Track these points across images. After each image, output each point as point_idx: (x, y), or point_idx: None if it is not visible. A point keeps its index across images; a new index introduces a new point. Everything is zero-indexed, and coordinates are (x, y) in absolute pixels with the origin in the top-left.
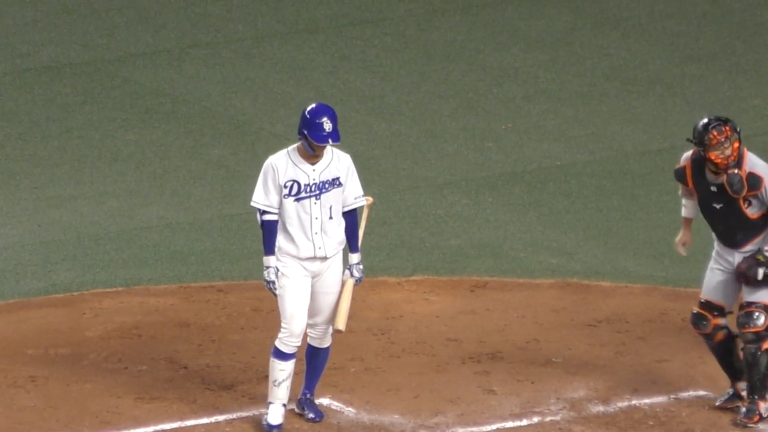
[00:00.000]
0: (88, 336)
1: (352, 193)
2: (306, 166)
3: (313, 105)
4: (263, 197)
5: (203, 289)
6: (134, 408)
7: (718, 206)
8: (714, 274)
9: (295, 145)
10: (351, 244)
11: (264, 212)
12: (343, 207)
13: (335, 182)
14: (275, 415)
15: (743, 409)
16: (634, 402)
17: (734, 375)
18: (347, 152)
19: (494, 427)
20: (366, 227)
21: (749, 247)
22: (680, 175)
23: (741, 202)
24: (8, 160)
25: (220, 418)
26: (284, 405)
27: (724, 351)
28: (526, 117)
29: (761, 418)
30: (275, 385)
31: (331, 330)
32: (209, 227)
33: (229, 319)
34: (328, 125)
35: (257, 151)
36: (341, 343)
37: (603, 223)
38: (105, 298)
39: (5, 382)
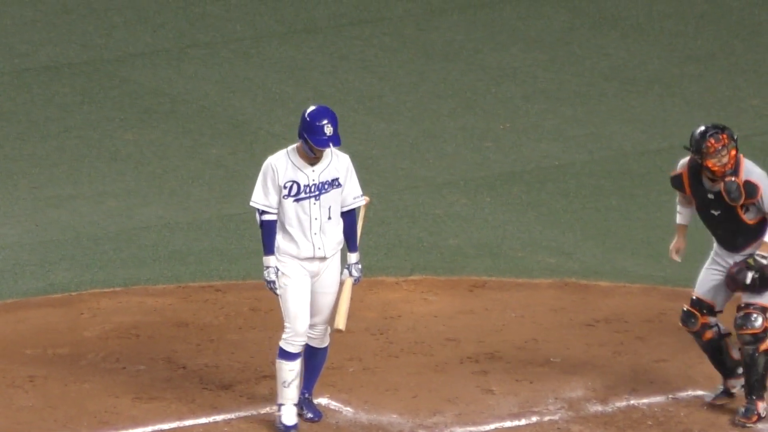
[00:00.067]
0: (87, 336)
1: (351, 193)
2: (305, 167)
3: (314, 107)
4: (262, 197)
5: (202, 289)
6: (132, 408)
7: (716, 213)
8: (709, 274)
9: (295, 146)
10: (349, 244)
11: (263, 212)
12: (341, 207)
13: (334, 183)
14: (289, 415)
15: (741, 409)
16: (632, 402)
17: (725, 372)
18: (346, 152)
19: (492, 426)
20: (364, 227)
21: (749, 250)
22: (677, 182)
23: (739, 208)
24: (7, 159)
25: (219, 417)
26: (295, 405)
27: (714, 349)
28: (525, 117)
29: (759, 418)
30: (285, 386)
31: (329, 330)
32: (208, 227)
33: (228, 318)
34: (328, 129)
35: (256, 151)
36: (339, 343)
37: (602, 222)
38: (103, 298)
39: (4, 382)
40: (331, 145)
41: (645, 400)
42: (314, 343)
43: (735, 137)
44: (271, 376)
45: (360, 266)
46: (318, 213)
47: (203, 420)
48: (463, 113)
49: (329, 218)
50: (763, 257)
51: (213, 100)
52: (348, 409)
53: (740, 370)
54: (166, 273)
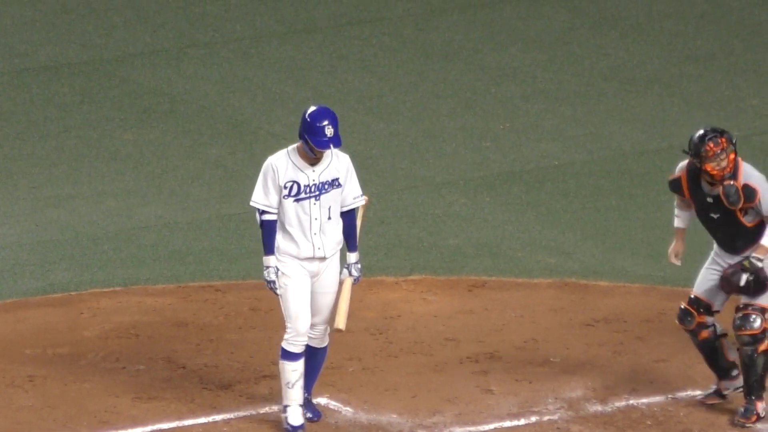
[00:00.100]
0: (86, 336)
1: (351, 193)
2: (306, 167)
3: (314, 108)
4: (263, 197)
5: (201, 289)
6: (132, 407)
7: (715, 216)
8: (708, 274)
9: (295, 146)
10: (349, 244)
11: (263, 212)
12: (341, 207)
13: (334, 183)
14: (295, 416)
15: (741, 409)
16: (631, 402)
17: (719, 374)
18: (345, 152)
19: (492, 426)
20: (363, 226)
21: (749, 252)
22: (676, 186)
23: (738, 212)
24: (6, 159)
25: (218, 417)
26: (301, 405)
27: (709, 349)
28: (524, 117)
29: (759, 418)
30: (289, 387)
31: (328, 330)
32: (207, 227)
33: (227, 318)
34: (329, 130)
35: (255, 151)
36: (339, 343)
37: (601, 222)
38: (103, 297)
39: (3, 382)
40: (331, 146)
41: (644, 400)
42: (314, 343)
43: (734, 141)
44: (271, 376)
45: (359, 266)
46: (318, 213)
47: (203, 420)
48: (462, 113)
49: (329, 218)
50: (759, 260)
51: (212, 99)
52: (347, 408)
53: (734, 373)
54: (166, 273)
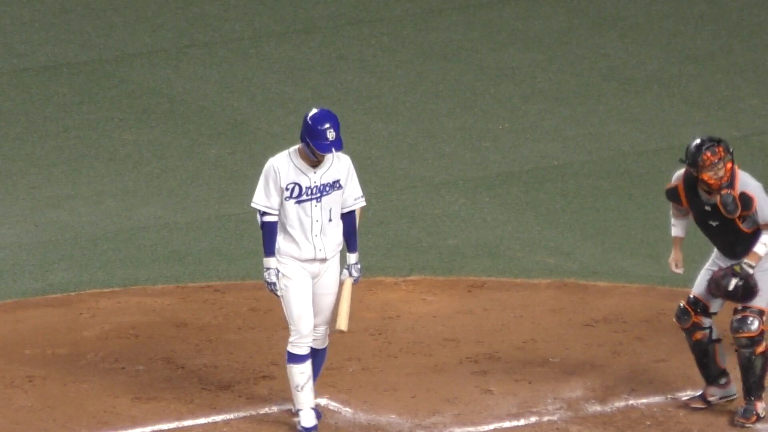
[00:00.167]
0: (86, 336)
1: (352, 195)
2: (307, 169)
3: (316, 111)
4: (264, 198)
5: (201, 289)
6: (132, 408)
7: (714, 224)
8: (707, 275)
9: (296, 147)
10: (349, 245)
11: (264, 213)
12: (342, 208)
13: (336, 185)
14: (308, 418)
15: (740, 410)
16: (631, 402)
17: (708, 379)
18: (346, 153)
19: (491, 427)
20: (361, 227)
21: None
22: (673, 195)
23: (736, 219)
24: (5, 159)
25: (218, 418)
26: (313, 408)
27: (701, 352)
28: (524, 117)
29: (758, 418)
30: (299, 391)
31: (328, 331)
32: (207, 227)
33: (227, 319)
34: (331, 134)
35: (255, 151)
36: (338, 344)
37: (600, 223)
38: (102, 298)
39: (2, 382)
40: (333, 150)
41: (644, 400)
42: (314, 345)
43: (731, 150)
44: (270, 377)
45: (359, 266)
46: (319, 215)
47: (202, 420)
48: (461, 113)
49: (330, 220)
50: (750, 266)
51: (212, 100)
52: (347, 409)
53: (722, 381)
54: (165, 273)
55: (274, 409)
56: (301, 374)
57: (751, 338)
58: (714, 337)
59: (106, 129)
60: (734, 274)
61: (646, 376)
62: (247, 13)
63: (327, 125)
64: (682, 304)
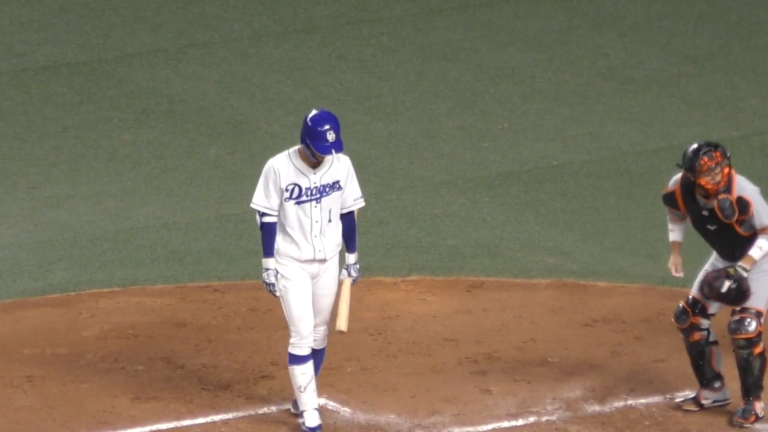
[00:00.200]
0: (85, 336)
1: (352, 195)
2: (307, 170)
3: (316, 112)
4: (263, 199)
5: (200, 289)
6: (131, 408)
7: (712, 228)
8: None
9: (296, 148)
10: (348, 245)
11: (263, 214)
12: (341, 209)
13: (335, 185)
14: (312, 418)
15: (739, 410)
16: (630, 402)
17: (702, 381)
18: (345, 153)
19: (490, 426)
20: (359, 227)
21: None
22: (671, 199)
23: (734, 223)
24: (5, 159)
25: (217, 417)
26: (316, 408)
27: (698, 353)
28: (523, 117)
29: (757, 418)
30: (301, 392)
31: (327, 331)
32: (206, 227)
33: (226, 319)
34: (331, 135)
35: (254, 151)
36: (337, 343)
37: (600, 222)
38: (102, 298)
39: (2, 382)
40: (333, 151)
41: (643, 400)
42: (314, 345)
43: (728, 155)
44: (270, 377)
45: (358, 266)
46: (319, 216)
47: (201, 420)
48: (461, 113)
49: (329, 221)
50: (744, 269)
51: (211, 99)
52: (346, 409)
53: (717, 384)
54: (165, 273)
55: (274, 409)
56: (303, 375)
57: (748, 339)
58: (711, 339)
59: (105, 129)
60: (728, 277)
61: (646, 376)
62: (246, 13)
63: (327, 126)
64: (681, 305)
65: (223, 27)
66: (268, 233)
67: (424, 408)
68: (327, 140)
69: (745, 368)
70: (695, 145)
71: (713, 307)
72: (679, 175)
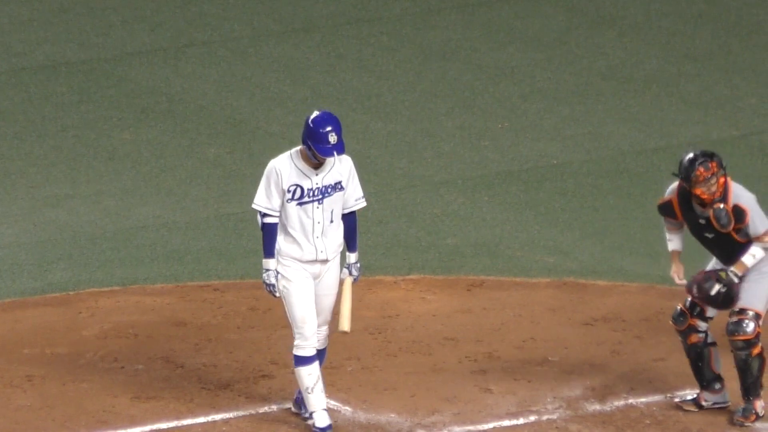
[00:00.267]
0: (85, 335)
1: (353, 195)
2: (309, 172)
3: (317, 113)
4: (265, 200)
5: (200, 289)
6: (131, 407)
7: (710, 236)
8: None
9: (298, 149)
10: (349, 245)
11: (265, 215)
12: (343, 209)
13: (337, 186)
14: (322, 418)
15: (740, 409)
16: (630, 401)
17: (702, 383)
18: (346, 153)
19: (491, 425)
20: (360, 226)
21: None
22: (668, 209)
23: (731, 230)
24: (4, 159)
25: (217, 417)
26: (325, 409)
27: (696, 355)
28: (523, 116)
29: (758, 417)
30: (309, 393)
31: (328, 331)
32: (205, 226)
33: (226, 318)
34: (333, 137)
35: (254, 150)
36: (338, 343)
37: (599, 222)
38: (101, 297)
39: (2, 382)
40: (335, 153)
41: (643, 399)
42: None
43: (724, 165)
44: (270, 376)
45: (359, 265)
46: (321, 216)
47: (201, 419)
48: (460, 112)
49: (331, 221)
50: (736, 275)
51: (210, 99)
52: (346, 408)
53: (717, 386)
54: (164, 272)
55: (274, 408)
56: (309, 375)
57: (746, 341)
58: (709, 341)
59: (104, 128)
60: (718, 280)
61: (646, 375)
62: (245, 13)
63: (329, 128)
64: (678, 307)
65: (222, 26)
66: (268, 234)
67: (425, 407)
68: (329, 142)
69: (743, 369)
70: (691, 155)
71: (711, 311)
72: (675, 184)
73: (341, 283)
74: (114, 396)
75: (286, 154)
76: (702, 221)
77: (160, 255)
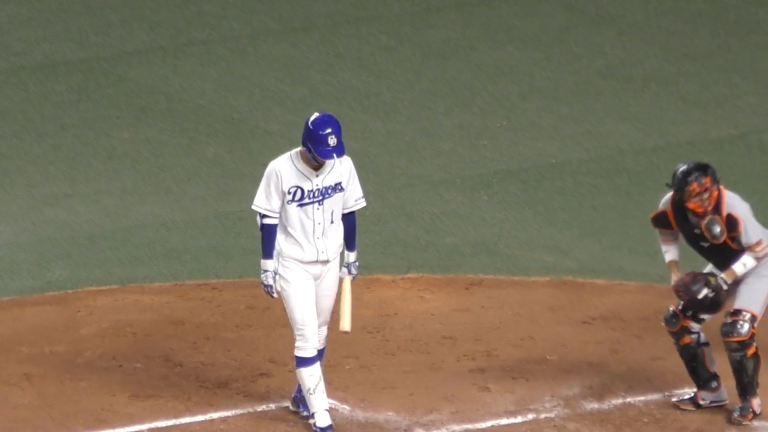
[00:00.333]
0: (83, 334)
1: (353, 196)
2: (309, 173)
3: (317, 115)
4: (265, 201)
5: (198, 287)
6: (129, 406)
7: (705, 245)
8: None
9: (298, 150)
10: (349, 244)
11: (264, 216)
12: (343, 209)
13: (338, 187)
14: (322, 418)
15: (737, 407)
16: (628, 399)
17: (699, 383)
18: (346, 153)
19: (489, 424)
20: (359, 225)
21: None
22: (661, 221)
23: (727, 239)
24: (3, 158)
25: (215, 415)
26: (327, 409)
27: (690, 356)
28: (522, 115)
29: (755, 416)
30: (311, 394)
31: (326, 332)
32: (204, 225)
33: (224, 316)
34: (332, 140)
35: (252, 149)
36: (336, 341)
37: (598, 221)
38: (100, 296)
39: (0, 380)
40: (335, 155)
41: (641, 398)
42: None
43: (718, 178)
44: (268, 374)
45: (358, 264)
46: (321, 217)
47: (200, 418)
48: (459, 111)
49: (332, 222)
50: (725, 282)
51: (209, 98)
52: (344, 407)
53: (713, 385)
54: (163, 271)
55: (272, 406)
56: (310, 376)
57: (741, 342)
58: (702, 341)
59: (103, 127)
60: (707, 285)
61: (644, 373)
62: (244, 11)
63: (329, 130)
64: (671, 308)
65: (221, 25)
66: (268, 235)
67: (423, 405)
68: (328, 144)
69: (738, 370)
70: (685, 168)
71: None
72: (669, 195)
73: (340, 282)
74: (112, 394)
75: (287, 155)
76: (697, 231)
77: (159, 254)
